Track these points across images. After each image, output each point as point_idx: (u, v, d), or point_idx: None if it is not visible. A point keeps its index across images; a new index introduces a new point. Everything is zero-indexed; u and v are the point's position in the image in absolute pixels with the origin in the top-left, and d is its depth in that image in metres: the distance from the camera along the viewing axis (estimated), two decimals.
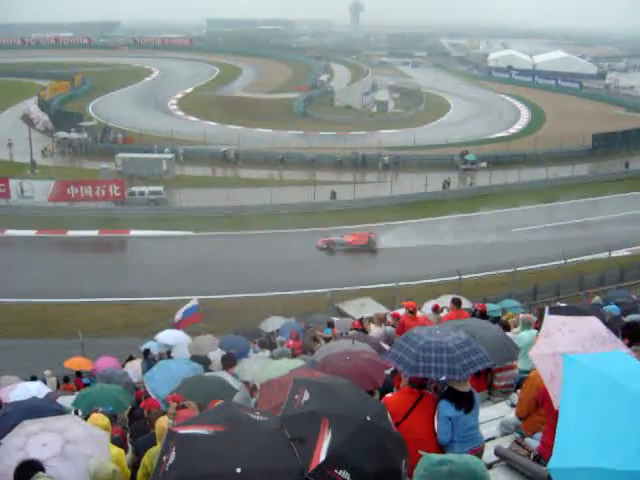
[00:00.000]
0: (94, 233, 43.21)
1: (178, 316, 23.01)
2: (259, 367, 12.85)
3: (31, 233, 43.06)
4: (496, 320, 14.48)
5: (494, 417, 8.40)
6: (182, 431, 4.45)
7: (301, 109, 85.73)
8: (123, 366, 19.21)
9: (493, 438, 7.62)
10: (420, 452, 4.32)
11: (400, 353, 6.32)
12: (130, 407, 13.12)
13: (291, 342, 17.44)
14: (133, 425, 11.18)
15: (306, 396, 4.89)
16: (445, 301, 18.11)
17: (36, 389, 14.99)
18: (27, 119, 77.59)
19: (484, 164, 59.09)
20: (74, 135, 65.55)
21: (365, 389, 6.42)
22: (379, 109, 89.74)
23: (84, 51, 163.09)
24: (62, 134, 66.22)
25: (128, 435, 10.68)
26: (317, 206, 48.02)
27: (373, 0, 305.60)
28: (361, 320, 17.14)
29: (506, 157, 62.21)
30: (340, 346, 10.60)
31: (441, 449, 6.07)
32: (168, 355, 18.03)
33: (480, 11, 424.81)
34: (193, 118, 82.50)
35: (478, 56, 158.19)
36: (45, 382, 17.83)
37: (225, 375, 12.16)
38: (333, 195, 49.40)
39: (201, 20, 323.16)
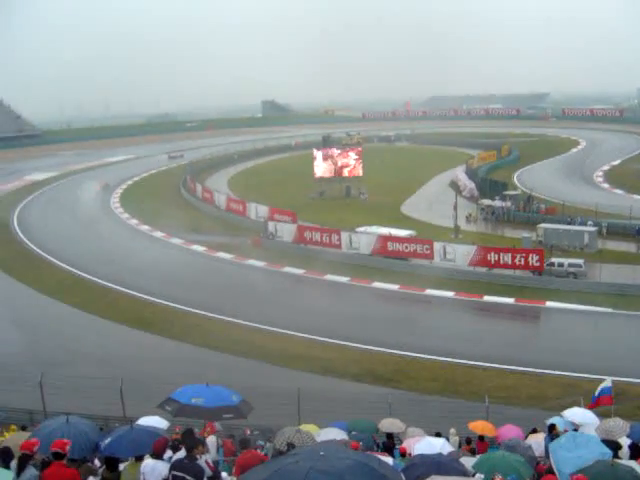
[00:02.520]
0: (510, 300, 43.47)
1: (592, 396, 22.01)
2: None
3: (449, 294, 44.75)
4: None
5: None
6: None
7: None
8: (526, 438, 18.91)
9: None
10: None
11: None
12: None
13: None
14: None
15: None
16: None
17: (440, 446, 15.37)
18: (455, 185, 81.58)
19: None
20: (498, 203, 67.33)
21: None
22: None
23: (512, 122, 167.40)
24: (486, 201, 68.46)
25: None
26: None
27: None
28: None
29: None
30: None
31: None
32: None
33: None
34: (619, 191, 79.71)
35: None
36: (448, 439, 18.21)
37: (636, 465, 11.36)
38: None
39: (633, 90, 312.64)
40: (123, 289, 46.15)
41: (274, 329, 37.98)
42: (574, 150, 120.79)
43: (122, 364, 32.04)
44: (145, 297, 44.30)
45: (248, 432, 17.23)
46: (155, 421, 16.56)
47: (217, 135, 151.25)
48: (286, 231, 59.02)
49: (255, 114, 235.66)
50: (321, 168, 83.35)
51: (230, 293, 45.94)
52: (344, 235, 54.98)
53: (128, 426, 12.64)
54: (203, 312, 41.13)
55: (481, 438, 18.76)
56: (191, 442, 10.90)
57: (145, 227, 67.19)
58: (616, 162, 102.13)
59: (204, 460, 11.09)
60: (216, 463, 13.51)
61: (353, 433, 18.43)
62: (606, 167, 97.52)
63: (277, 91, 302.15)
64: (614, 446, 13.91)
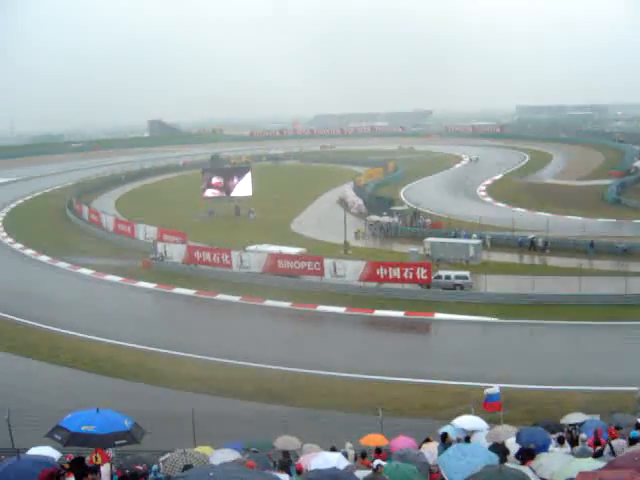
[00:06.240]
0: (400, 314, 44.18)
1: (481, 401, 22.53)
2: (559, 464, 12.26)
3: (341, 310, 45.18)
4: None
5: None
6: None
7: (613, 196, 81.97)
8: (419, 447, 19.21)
9: None
10: None
11: None
12: None
13: (594, 440, 16.45)
14: None
15: None
16: None
17: (336, 460, 15.42)
18: (343, 203, 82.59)
19: None
20: (386, 219, 68.58)
21: None
22: None
23: (398, 139, 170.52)
24: (374, 217, 69.60)
25: None
26: (629, 298, 44.92)
27: None
28: None
29: None
30: None
31: None
32: (466, 441, 17.77)
33: None
34: (501, 204, 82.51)
35: None
36: (345, 455, 18.28)
37: (524, 469, 11.74)
38: None
39: (511, 107, 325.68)
40: (5, 315, 44.38)
41: (166, 351, 37.35)
42: (457, 166, 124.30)
43: (8, 393, 30.75)
44: (30, 323, 42.71)
45: (140, 467, 16.75)
46: (46, 451, 15.97)
47: (104, 156, 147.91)
48: (176, 252, 58.25)
49: (142, 134, 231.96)
50: (210, 187, 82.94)
51: (120, 316, 44.99)
52: (234, 254, 54.68)
53: (15, 457, 12.18)
54: (92, 337, 39.95)
55: (378, 450, 18.93)
56: (80, 471, 10.59)
57: (30, 251, 64.85)
58: (497, 176, 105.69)
59: None
60: None
61: (247, 454, 18.30)
62: (488, 181, 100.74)
63: (164, 111, 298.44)
64: (502, 450, 14.36)
